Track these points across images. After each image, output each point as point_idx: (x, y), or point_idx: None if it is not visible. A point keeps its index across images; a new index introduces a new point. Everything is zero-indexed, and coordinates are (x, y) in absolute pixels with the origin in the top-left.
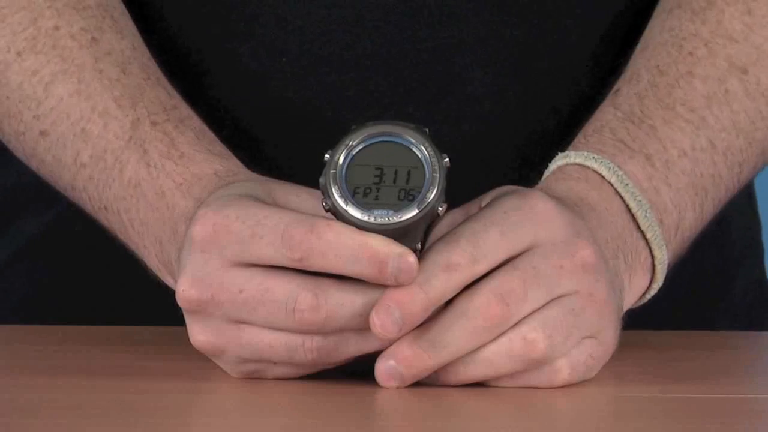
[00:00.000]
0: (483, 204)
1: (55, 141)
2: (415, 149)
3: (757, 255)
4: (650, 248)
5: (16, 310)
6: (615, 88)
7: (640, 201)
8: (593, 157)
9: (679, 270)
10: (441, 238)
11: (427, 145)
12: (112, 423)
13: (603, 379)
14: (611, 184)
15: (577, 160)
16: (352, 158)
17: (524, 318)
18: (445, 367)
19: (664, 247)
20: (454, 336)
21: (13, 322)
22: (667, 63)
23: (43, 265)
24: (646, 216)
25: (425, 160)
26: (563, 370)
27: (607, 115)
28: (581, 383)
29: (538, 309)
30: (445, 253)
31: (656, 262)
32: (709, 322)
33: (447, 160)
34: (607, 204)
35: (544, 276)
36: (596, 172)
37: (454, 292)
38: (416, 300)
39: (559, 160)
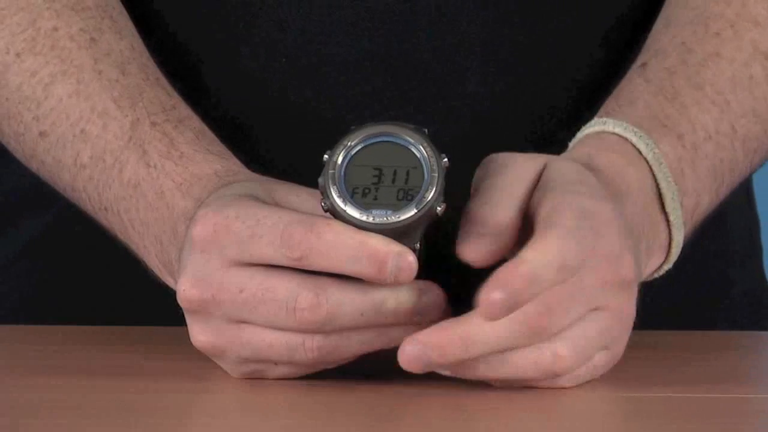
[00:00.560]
0: (539, 184)
1: (54, 142)
2: (414, 149)
3: (756, 256)
4: (670, 230)
5: (16, 310)
6: (640, 61)
7: (670, 182)
8: (633, 131)
9: (679, 271)
10: (557, 231)
11: (426, 145)
12: (112, 423)
13: (603, 379)
14: (647, 161)
15: (617, 130)
16: (350, 158)
17: (560, 332)
18: (467, 362)
19: (683, 229)
20: (496, 334)
21: (13, 322)
22: (694, 41)
23: (42, 265)
24: (673, 198)
25: (424, 160)
26: (570, 381)
27: (638, 87)
28: (583, 383)
29: (574, 323)
30: (561, 252)
31: (673, 244)
32: (710, 323)
33: (446, 160)
34: (641, 182)
35: (589, 293)
36: (635, 146)
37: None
38: (526, 292)
39: (596, 126)
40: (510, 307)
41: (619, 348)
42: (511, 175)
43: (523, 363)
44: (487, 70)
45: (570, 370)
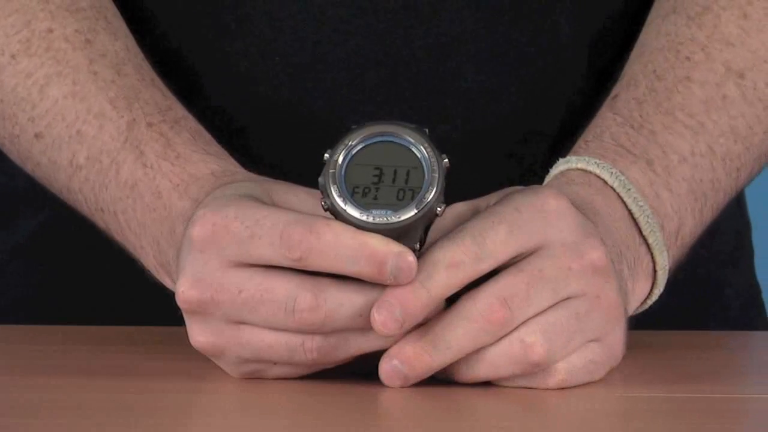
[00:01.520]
0: (492, 201)
1: (50, 143)
2: (414, 149)
3: (747, 257)
4: (652, 254)
5: (16, 310)
6: (613, 93)
7: (642, 206)
8: (595, 162)
9: (672, 273)
10: (446, 235)
11: (426, 145)
12: (112, 423)
13: (602, 379)
14: (614, 189)
15: (579, 165)
16: (351, 158)
17: (526, 321)
18: (449, 367)
19: (666, 252)
20: (456, 337)
21: (13, 322)
22: (665, 68)
23: (39, 264)
24: (648, 221)
25: (424, 160)
26: (559, 373)
27: (606, 121)
28: (581, 384)
29: (542, 312)
30: (449, 250)
31: (657, 268)
32: (702, 324)
33: (446, 160)
34: (610, 209)
35: (550, 278)
36: (599, 177)
37: (457, 289)
38: (418, 297)
39: (561, 165)
40: (405, 319)
41: (613, 340)
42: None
43: (498, 359)
44: (481, 68)
45: (548, 358)
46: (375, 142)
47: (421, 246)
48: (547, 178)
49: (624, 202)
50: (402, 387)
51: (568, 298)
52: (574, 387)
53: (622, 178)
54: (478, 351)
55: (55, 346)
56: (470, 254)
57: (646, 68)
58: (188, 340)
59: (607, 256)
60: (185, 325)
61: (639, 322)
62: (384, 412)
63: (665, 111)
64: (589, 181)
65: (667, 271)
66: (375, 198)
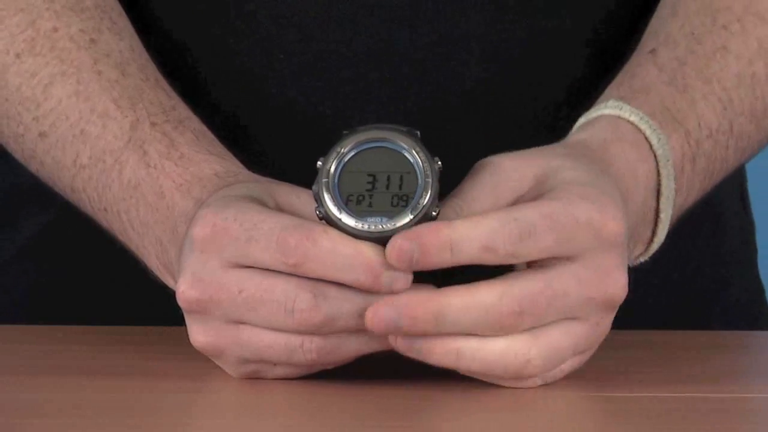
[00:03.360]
0: (547, 181)
1: (54, 142)
2: (406, 154)
3: (751, 257)
4: (656, 227)
5: (16, 310)
6: (649, 47)
7: (671, 181)
8: (648, 122)
9: (675, 272)
10: (497, 213)
11: (418, 149)
12: (112, 423)
13: (600, 379)
14: (655, 157)
15: (632, 119)
16: (344, 165)
17: (536, 336)
18: (436, 348)
19: (667, 228)
20: (464, 317)
21: (13, 321)
22: (702, 32)
23: (42, 265)
24: (668, 197)
25: (417, 164)
26: (536, 381)
27: (651, 74)
28: (578, 383)
29: (548, 328)
30: (491, 231)
31: (655, 240)
32: (705, 324)
33: (439, 163)
34: (647, 179)
35: (569, 303)
36: (647, 139)
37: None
38: (440, 258)
39: (613, 109)
40: (416, 261)
41: (587, 355)
42: (491, 186)
43: (493, 361)
44: (485, 66)
45: (533, 375)
46: (367, 148)
47: None
48: (594, 112)
49: (659, 173)
50: (380, 334)
51: (572, 318)
52: (573, 387)
53: (667, 147)
54: (478, 346)
55: (55, 346)
56: (509, 247)
57: (683, 29)
58: (188, 340)
59: (625, 291)
60: (185, 325)
61: (641, 322)
62: (384, 412)
63: (705, 78)
64: (637, 143)
65: (660, 244)
66: (370, 205)
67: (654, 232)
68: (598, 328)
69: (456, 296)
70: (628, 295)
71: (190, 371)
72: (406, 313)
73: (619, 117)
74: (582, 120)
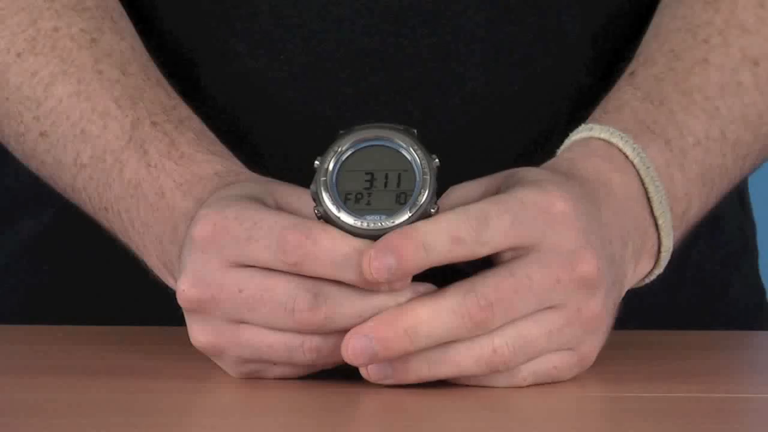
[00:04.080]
0: (503, 185)
1: (55, 142)
2: (404, 152)
3: (751, 257)
4: (659, 235)
5: (16, 310)
6: (629, 70)
7: (658, 187)
8: (619, 135)
9: (676, 273)
10: (454, 209)
11: (416, 147)
12: (112, 423)
13: (601, 379)
14: (634, 166)
15: (603, 135)
16: (341, 164)
17: (503, 326)
18: (408, 365)
19: (672, 235)
20: (437, 327)
21: (13, 321)
22: (682, 48)
23: (42, 265)
24: (661, 203)
25: (415, 162)
26: (527, 378)
27: (626, 95)
28: (579, 383)
29: (520, 319)
30: (455, 223)
31: (662, 249)
32: (706, 324)
33: (437, 161)
34: (627, 188)
35: (537, 289)
36: (621, 151)
37: (450, 262)
38: (416, 257)
39: (583, 132)
40: (396, 272)
41: (586, 348)
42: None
43: (464, 360)
44: (486, 67)
45: (507, 366)
46: (364, 147)
47: None
48: (567, 141)
49: (642, 181)
50: (364, 366)
51: (548, 308)
52: (574, 387)
53: (644, 155)
54: (444, 350)
55: (55, 346)
56: (474, 235)
57: (663, 47)
58: (188, 340)
59: (600, 268)
60: (185, 325)
61: (641, 322)
62: (383, 412)
63: (683, 91)
64: (610, 156)
65: (670, 253)
66: (368, 203)
67: (659, 241)
68: (582, 315)
69: (422, 306)
70: (628, 295)
71: (190, 371)
72: (377, 336)
73: (590, 137)
74: (558, 151)
